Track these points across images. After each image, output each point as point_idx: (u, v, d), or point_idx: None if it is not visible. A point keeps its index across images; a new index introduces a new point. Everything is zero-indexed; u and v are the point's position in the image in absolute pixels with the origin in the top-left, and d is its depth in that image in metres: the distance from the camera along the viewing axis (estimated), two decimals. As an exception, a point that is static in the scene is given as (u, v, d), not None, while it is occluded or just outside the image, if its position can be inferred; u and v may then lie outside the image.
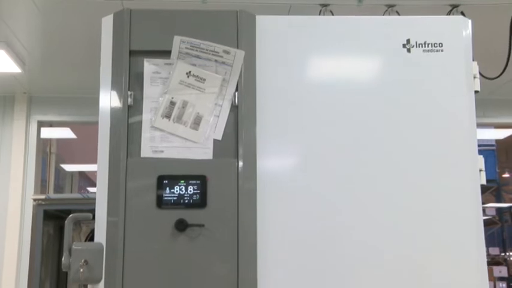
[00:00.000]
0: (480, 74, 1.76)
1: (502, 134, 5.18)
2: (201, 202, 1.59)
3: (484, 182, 1.67)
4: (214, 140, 1.64)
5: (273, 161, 1.66)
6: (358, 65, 1.74)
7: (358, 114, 1.70)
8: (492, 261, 6.66)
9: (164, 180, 1.59)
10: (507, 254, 7.49)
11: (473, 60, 1.75)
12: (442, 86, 1.72)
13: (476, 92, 1.73)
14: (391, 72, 1.73)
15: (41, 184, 4.04)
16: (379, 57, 1.74)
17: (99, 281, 1.54)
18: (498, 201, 7.55)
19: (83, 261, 1.53)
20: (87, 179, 9.54)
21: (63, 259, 1.55)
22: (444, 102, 1.72)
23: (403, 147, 1.68)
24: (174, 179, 1.59)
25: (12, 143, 3.84)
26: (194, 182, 1.60)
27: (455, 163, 1.68)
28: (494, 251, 6.99)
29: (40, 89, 4.08)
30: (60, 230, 2.88)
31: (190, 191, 1.59)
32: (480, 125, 1.72)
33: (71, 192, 8.12)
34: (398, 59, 1.73)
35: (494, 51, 2.81)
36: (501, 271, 6.29)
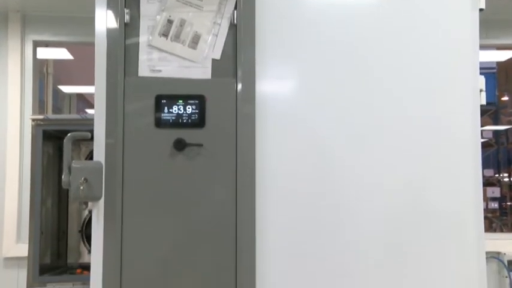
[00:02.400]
0: (485, -9, 1.72)
1: (503, 55, 5.12)
2: (199, 122, 1.58)
3: (484, 102, 1.67)
4: (213, 60, 1.62)
5: (273, 85, 1.65)
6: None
7: (360, 35, 1.67)
8: (486, 183, 6.78)
9: (162, 100, 1.58)
10: (501, 175, 7.61)
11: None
12: (446, 3, 1.68)
13: (481, 10, 1.69)
14: (394, -10, 1.68)
15: (39, 105, 4.02)
16: (382, -26, 1.69)
17: (99, 198, 1.57)
18: (495, 124, 7.58)
19: (82, 179, 1.55)
20: (86, 101, 9.51)
21: (63, 176, 1.56)
22: (448, 19, 1.68)
23: (404, 66, 1.67)
24: (172, 99, 1.58)
25: (8, 63, 3.78)
26: (192, 101, 1.59)
27: (456, 82, 1.67)
28: (489, 172, 7.09)
29: (34, 7, 3.97)
30: (60, 151, 2.89)
31: (189, 110, 1.59)
32: (482, 47, 1.70)
33: (69, 114, 8.10)
34: (402, -25, 1.68)
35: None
36: (494, 192, 6.41)
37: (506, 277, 3.32)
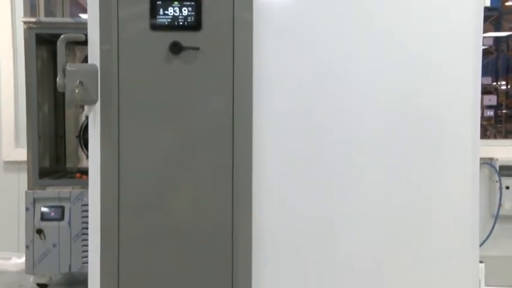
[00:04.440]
0: None
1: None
2: (196, 24, 1.54)
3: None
4: (209, -42, 1.55)
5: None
6: None
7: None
8: (484, 91, 6.77)
9: (157, 1, 1.53)
10: (499, 83, 7.59)
11: None
12: None
13: None
14: None
15: (31, 10, 3.91)
16: None
17: (95, 102, 1.56)
18: (497, 30, 7.45)
19: (77, 82, 1.53)
20: (79, 6, 9.27)
21: (57, 79, 1.54)
22: None
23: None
24: (167, 0, 1.53)
25: (-5, -38, 3.65)
26: (188, 3, 1.54)
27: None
28: (487, 80, 7.06)
29: None
30: (54, 56, 2.85)
31: (185, 12, 1.54)
32: None
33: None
34: None
35: None
36: (490, 100, 6.42)
37: (497, 182, 3.39)
